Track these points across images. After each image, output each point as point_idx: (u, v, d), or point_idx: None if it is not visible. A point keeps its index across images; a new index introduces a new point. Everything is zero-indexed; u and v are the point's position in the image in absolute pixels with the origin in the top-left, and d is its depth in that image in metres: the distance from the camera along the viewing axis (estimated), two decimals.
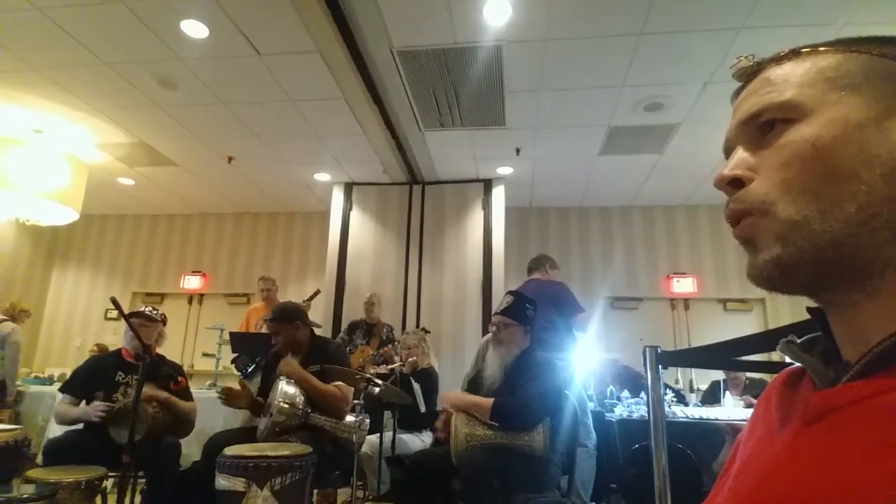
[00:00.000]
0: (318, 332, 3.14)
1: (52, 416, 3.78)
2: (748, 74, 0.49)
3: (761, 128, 0.46)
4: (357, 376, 2.66)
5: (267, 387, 2.77)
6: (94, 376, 2.92)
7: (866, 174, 0.40)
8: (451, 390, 2.60)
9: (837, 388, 0.41)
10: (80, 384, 2.91)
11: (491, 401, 2.39)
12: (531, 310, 2.63)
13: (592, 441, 3.21)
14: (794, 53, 0.46)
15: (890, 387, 0.36)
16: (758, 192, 0.45)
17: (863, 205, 0.40)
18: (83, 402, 2.89)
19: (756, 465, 0.46)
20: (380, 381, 2.63)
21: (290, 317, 2.82)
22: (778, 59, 0.47)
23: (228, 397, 2.72)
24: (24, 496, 2.02)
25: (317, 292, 4.58)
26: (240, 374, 4.52)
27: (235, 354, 4.63)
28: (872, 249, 0.40)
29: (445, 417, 2.53)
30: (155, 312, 3.04)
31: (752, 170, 0.46)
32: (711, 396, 4.20)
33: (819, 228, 0.41)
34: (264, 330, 4.64)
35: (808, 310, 0.48)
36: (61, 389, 2.94)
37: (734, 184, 0.46)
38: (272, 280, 5.09)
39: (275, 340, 2.82)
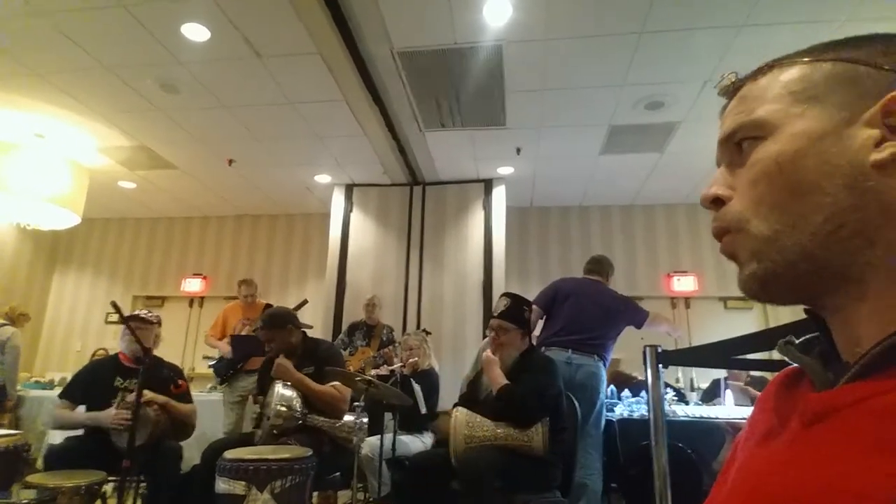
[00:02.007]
0: (318, 333, 3.14)
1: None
2: (730, 92, 0.50)
3: (738, 146, 0.47)
4: (357, 378, 2.66)
5: (263, 391, 2.77)
6: (92, 382, 2.91)
7: (828, 185, 0.41)
8: (491, 361, 2.52)
9: (836, 390, 0.40)
10: (79, 390, 2.90)
11: (505, 382, 2.40)
12: (528, 312, 2.63)
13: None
14: (769, 68, 0.47)
15: (889, 388, 0.36)
16: (734, 210, 0.46)
17: (828, 216, 0.40)
18: (82, 407, 2.88)
19: (755, 467, 0.45)
20: (380, 383, 2.63)
21: (281, 322, 2.83)
22: (755, 76, 0.48)
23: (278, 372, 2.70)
24: (24, 501, 2.01)
25: (304, 302, 4.57)
26: (218, 378, 4.55)
27: (214, 361, 4.67)
28: (846, 257, 0.41)
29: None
30: (149, 314, 3.03)
31: (731, 187, 0.47)
32: (711, 394, 4.19)
33: (790, 242, 0.42)
34: (245, 332, 4.65)
35: (806, 311, 0.48)
36: (60, 395, 2.93)
37: (715, 202, 0.48)
38: (255, 285, 5.02)
39: (268, 347, 2.82)
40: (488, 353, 2.54)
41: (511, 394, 2.36)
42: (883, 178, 0.40)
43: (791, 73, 0.45)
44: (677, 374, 4.68)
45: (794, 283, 0.44)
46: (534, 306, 3.08)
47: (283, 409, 2.52)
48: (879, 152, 0.40)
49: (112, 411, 2.71)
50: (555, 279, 3.83)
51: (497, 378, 2.43)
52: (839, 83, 0.43)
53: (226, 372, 4.49)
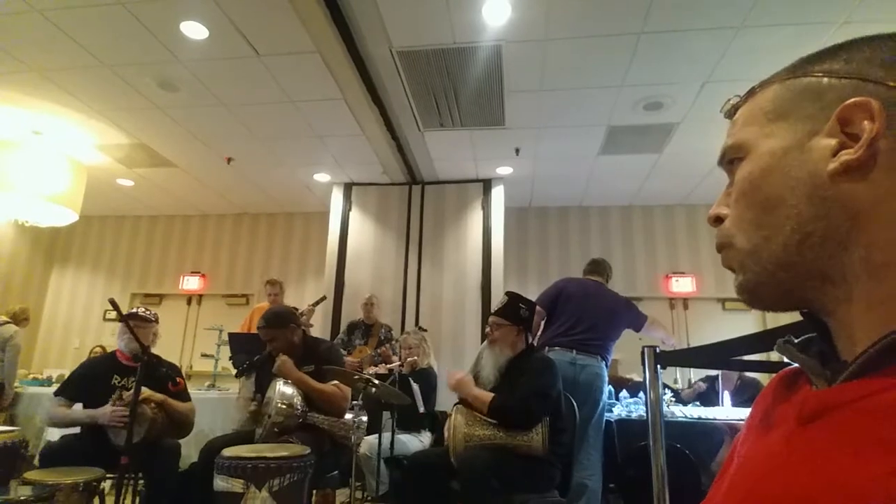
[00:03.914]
0: (316, 333, 3.14)
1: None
2: (732, 114, 0.53)
3: (730, 165, 0.50)
4: (356, 377, 2.66)
5: (263, 387, 2.77)
6: (89, 380, 2.90)
7: (792, 198, 0.43)
8: (462, 383, 2.53)
9: (834, 388, 0.41)
10: (75, 388, 2.89)
11: (491, 395, 2.39)
12: (525, 310, 2.62)
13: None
14: (754, 90, 0.50)
15: (885, 386, 0.36)
16: (725, 227, 0.50)
17: (795, 227, 0.43)
18: (79, 405, 2.88)
19: (752, 465, 0.46)
20: (378, 382, 2.63)
21: (283, 321, 2.83)
22: (745, 99, 0.51)
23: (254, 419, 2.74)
24: (22, 498, 2.01)
25: (323, 298, 4.56)
26: (237, 370, 4.55)
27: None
28: (821, 262, 0.42)
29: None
30: (148, 312, 3.03)
31: (728, 206, 0.50)
32: (704, 394, 4.21)
33: (766, 253, 0.45)
34: None
35: (802, 313, 0.49)
36: (56, 393, 2.91)
37: (717, 220, 0.52)
38: (280, 284, 5.09)
39: (270, 346, 2.82)
40: (455, 375, 2.52)
41: (502, 407, 2.35)
42: (841, 186, 0.41)
43: (766, 94, 0.48)
44: (675, 375, 4.69)
45: (777, 291, 0.46)
46: (537, 307, 3.07)
47: (284, 406, 2.52)
48: (833, 162, 0.41)
49: (109, 409, 2.70)
50: (554, 279, 3.84)
51: (480, 396, 2.41)
52: (804, 98, 0.44)
53: (242, 363, 4.50)
